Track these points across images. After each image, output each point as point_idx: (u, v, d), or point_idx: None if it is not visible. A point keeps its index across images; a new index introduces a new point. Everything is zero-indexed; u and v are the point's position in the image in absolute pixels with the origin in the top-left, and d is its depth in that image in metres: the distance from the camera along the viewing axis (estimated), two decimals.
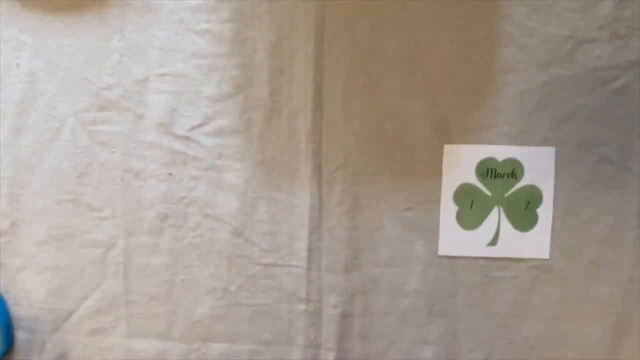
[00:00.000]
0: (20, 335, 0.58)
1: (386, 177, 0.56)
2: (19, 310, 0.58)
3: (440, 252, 0.57)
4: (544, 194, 0.56)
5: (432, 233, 0.57)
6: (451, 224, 0.57)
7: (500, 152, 0.56)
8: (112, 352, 0.58)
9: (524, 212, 0.57)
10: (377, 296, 0.58)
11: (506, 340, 0.57)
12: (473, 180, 0.57)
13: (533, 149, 0.56)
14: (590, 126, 0.56)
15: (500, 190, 0.57)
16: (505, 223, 0.57)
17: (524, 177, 0.56)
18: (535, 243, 0.57)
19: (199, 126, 0.56)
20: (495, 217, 0.57)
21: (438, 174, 0.56)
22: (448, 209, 0.57)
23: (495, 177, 0.56)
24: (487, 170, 0.56)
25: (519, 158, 0.56)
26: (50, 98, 0.56)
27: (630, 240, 0.57)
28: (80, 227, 0.57)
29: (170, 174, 0.56)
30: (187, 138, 0.56)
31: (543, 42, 0.55)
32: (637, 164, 0.56)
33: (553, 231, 0.57)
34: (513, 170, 0.56)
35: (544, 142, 0.56)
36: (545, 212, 0.56)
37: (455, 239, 0.57)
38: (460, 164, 0.56)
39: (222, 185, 0.56)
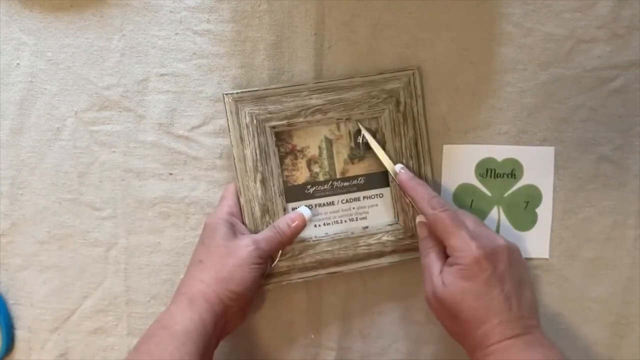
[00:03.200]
0: (20, 335, 0.58)
1: None
2: (20, 309, 0.58)
3: None
4: (543, 193, 0.56)
5: None
6: None
7: (500, 152, 0.56)
8: (113, 351, 0.58)
9: (523, 212, 0.57)
10: (377, 296, 0.58)
11: None
12: (473, 180, 0.57)
13: (532, 148, 0.56)
14: (590, 126, 0.56)
15: (499, 190, 0.57)
16: (505, 223, 0.57)
17: (523, 177, 0.56)
18: (535, 243, 0.57)
19: (199, 126, 0.56)
20: (495, 217, 0.57)
21: (438, 174, 0.56)
22: None
23: (494, 177, 0.56)
24: (487, 170, 0.56)
25: (518, 158, 0.56)
26: (51, 98, 0.56)
27: (630, 240, 0.57)
28: (81, 226, 0.57)
29: (170, 174, 0.57)
30: (187, 138, 0.56)
31: (542, 42, 0.55)
32: (637, 164, 0.56)
33: (553, 231, 0.57)
34: (512, 170, 0.56)
35: (543, 141, 0.56)
36: (544, 211, 0.56)
37: None
38: (460, 164, 0.56)
39: (223, 184, 0.56)
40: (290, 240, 0.54)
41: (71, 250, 0.57)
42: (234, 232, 0.53)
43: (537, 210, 0.56)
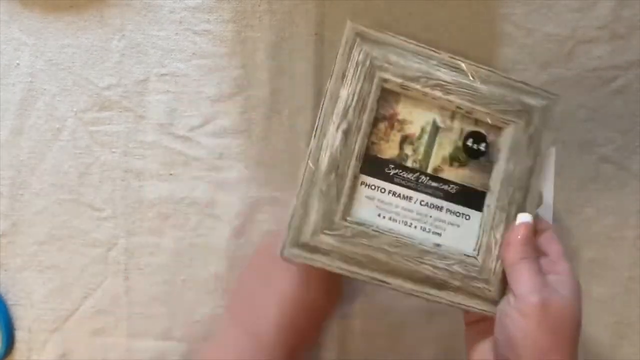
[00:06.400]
0: (20, 335, 0.58)
1: None
2: (20, 310, 0.57)
3: None
4: (543, 194, 0.56)
5: None
6: None
7: None
8: (113, 352, 0.58)
9: None
10: (378, 296, 0.58)
11: None
12: None
13: None
14: (590, 126, 0.56)
15: None
16: None
17: None
18: None
19: (199, 126, 0.56)
20: None
21: None
22: None
23: None
24: None
25: None
26: (51, 98, 0.56)
27: (630, 240, 0.57)
28: (81, 227, 0.57)
29: (170, 174, 0.57)
30: (187, 138, 0.56)
31: (543, 42, 0.55)
32: (637, 164, 0.56)
33: (553, 231, 0.56)
34: None
35: None
36: (545, 212, 0.56)
37: None
38: None
39: (223, 185, 0.56)
40: None
41: (71, 251, 0.57)
42: None
43: (538, 210, 0.56)
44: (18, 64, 0.56)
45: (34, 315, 0.57)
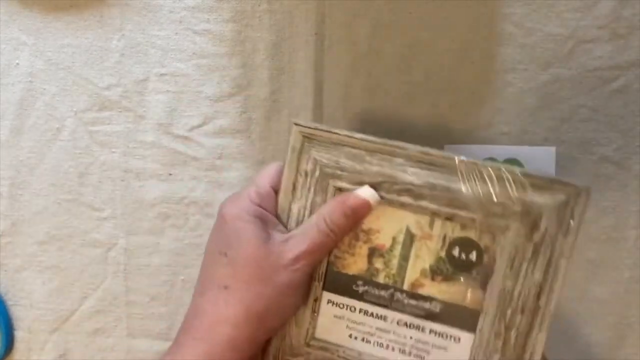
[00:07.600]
0: (20, 335, 0.58)
1: None
2: (19, 310, 0.57)
3: None
4: None
5: None
6: None
7: (501, 152, 0.56)
8: (112, 352, 0.58)
9: None
10: None
11: None
12: None
13: (533, 148, 0.56)
14: (590, 126, 0.56)
15: None
16: None
17: None
18: None
19: (199, 126, 0.56)
20: None
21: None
22: None
23: None
24: None
25: (519, 158, 0.56)
26: (51, 98, 0.56)
27: (630, 240, 0.57)
28: (81, 227, 0.57)
29: (170, 174, 0.56)
30: (187, 138, 0.56)
31: (543, 42, 0.55)
32: (638, 164, 0.56)
33: None
34: None
35: (545, 142, 0.56)
36: None
37: None
38: None
39: (223, 185, 0.56)
40: (343, 237, 0.40)
41: (71, 251, 0.57)
42: (267, 233, 0.39)
43: None
44: (18, 64, 0.56)
45: (34, 315, 0.57)
